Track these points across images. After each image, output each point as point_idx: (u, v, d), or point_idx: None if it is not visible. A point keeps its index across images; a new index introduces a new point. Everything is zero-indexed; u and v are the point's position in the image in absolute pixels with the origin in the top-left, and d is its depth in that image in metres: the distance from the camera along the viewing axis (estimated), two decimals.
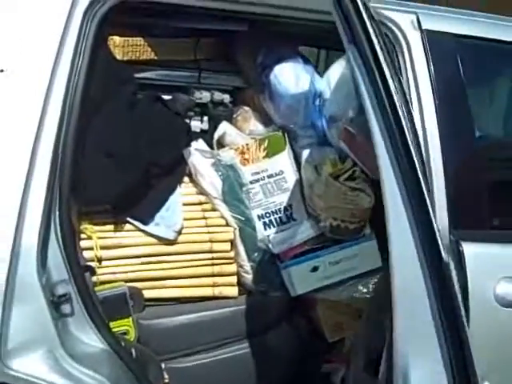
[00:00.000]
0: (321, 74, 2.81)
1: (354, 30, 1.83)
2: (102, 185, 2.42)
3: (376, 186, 2.67)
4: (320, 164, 2.68)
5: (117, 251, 2.54)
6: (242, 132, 2.86)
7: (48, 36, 2.03)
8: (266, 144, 2.77)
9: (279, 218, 2.81)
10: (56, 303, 2.00)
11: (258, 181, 2.78)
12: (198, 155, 2.69)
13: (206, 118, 2.84)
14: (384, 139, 1.81)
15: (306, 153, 2.76)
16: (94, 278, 2.37)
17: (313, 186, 2.66)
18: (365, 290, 2.77)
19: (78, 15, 2.08)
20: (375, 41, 1.82)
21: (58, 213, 2.04)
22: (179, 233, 2.61)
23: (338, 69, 2.66)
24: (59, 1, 2.07)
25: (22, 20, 2.04)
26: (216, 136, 2.80)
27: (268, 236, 2.81)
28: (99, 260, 2.48)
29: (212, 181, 2.67)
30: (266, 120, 2.91)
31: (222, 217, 2.70)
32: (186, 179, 2.72)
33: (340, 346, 2.90)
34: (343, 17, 1.85)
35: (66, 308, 2.03)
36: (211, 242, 2.66)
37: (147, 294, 2.58)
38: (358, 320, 2.79)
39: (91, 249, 2.45)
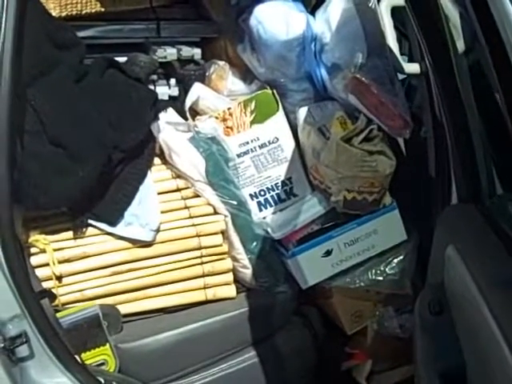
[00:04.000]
0: (313, 14, 2.25)
1: None
2: (52, 182, 1.88)
3: (396, 145, 2.22)
4: (325, 125, 2.14)
5: (80, 263, 2.04)
6: (219, 94, 2.31)
7: None
8: (252, 106, 2.22)
9: (277, 195, 2.30)
10: (9, 349, 1.58)
11: (247, 153, 2.25)
12: (170, 130, 2.13)
13: (173, 81, 2.29)
14: None
15: (303, 112, 2.22)
16: (55, 302, 1.93)
17: (319, 153, 2.11)
18: (388, 271, 2.29)
19: None
20: None
21: None
22: (157, 231, 2.08)
23: (337, 5, 2.11)
24: None
25: None
26: (189, 102, 2.25)
27: (265, 218, 2.29)
28: (59, 278, 2.00)
29: (191, 160, 2.11)
30: (247, 75, 2.38)
31: (209, 203, 2.16)
32: (157, 161, 2.17)
33: (361, 338, 2.42)
34: None
35: (22, 351, 1.62)
36: (198, 236, 2.15)
37: (124, 309, 2.09)
38: (378, 305, 2.37)
39: (47, 265, 1.98)
